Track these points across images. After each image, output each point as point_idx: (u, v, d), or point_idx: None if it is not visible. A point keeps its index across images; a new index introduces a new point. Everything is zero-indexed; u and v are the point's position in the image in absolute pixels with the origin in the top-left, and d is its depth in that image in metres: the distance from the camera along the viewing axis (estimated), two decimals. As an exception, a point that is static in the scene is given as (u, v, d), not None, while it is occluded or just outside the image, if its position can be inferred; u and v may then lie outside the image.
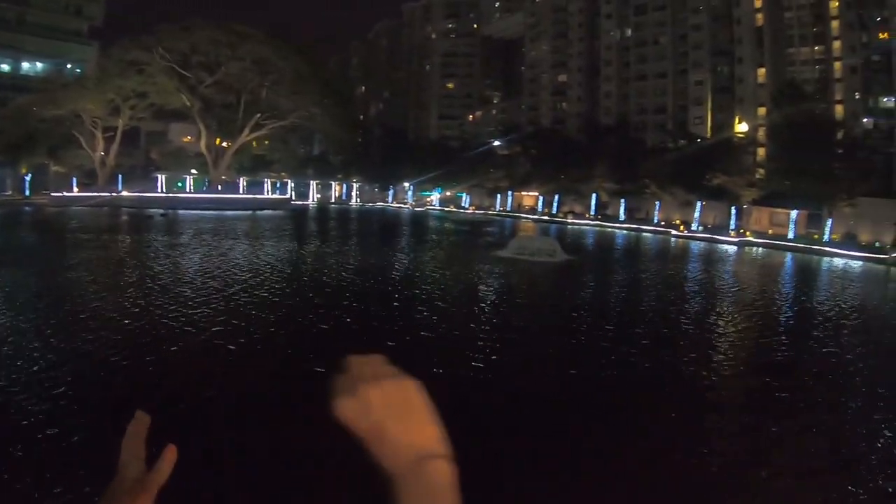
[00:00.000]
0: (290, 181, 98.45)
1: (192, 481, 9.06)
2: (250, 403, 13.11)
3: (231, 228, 52.79)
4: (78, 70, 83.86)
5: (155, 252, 36.31)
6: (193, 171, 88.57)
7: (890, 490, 11.01)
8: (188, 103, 79.65)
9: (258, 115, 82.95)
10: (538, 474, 10.66)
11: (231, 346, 17.32)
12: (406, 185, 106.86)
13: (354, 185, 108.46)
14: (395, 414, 0.86)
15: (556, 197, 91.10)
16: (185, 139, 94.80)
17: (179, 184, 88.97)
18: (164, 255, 34.86)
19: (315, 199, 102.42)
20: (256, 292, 24.84)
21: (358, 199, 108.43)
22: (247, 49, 78.53)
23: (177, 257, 34.35)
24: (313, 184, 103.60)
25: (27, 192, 73.29)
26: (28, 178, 74.96)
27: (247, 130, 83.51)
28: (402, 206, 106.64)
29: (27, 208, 65.81)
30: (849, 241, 60.06)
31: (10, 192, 73.42)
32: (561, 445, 12.13)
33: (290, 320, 21.15)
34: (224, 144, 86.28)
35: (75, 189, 75.28)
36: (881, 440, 13.44)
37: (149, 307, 21.36)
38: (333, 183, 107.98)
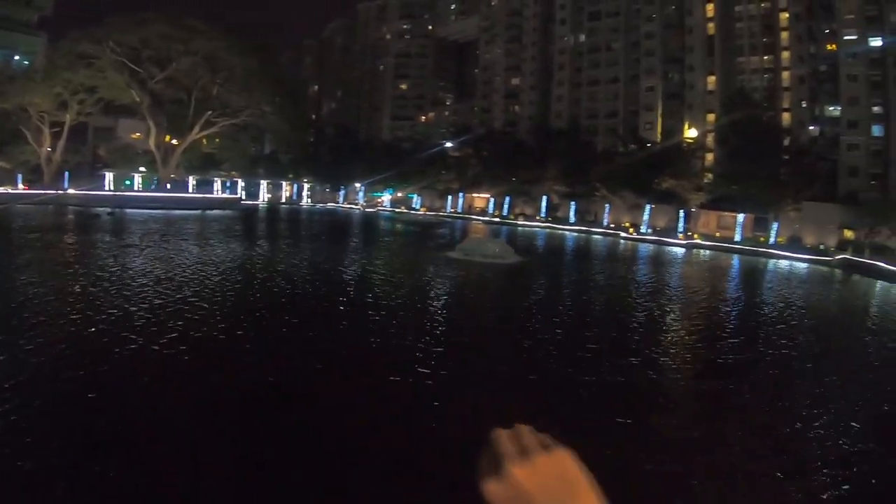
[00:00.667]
0: (239, 181, 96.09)
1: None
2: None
3: (178, 229, 50.62)
4: (26, 62, 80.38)
5: (98, 254, 34.19)
6: (142, 168, 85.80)
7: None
8: (138, 99, 77.15)
9: (209, 112, 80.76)
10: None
11: (158, 349, 16.01)
12: (357, 185, 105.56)
13: (305, 185, 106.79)
14: (550, 496, 0.75)
15: (507, 199, 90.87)
16: (134, 136, 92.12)
17: (127, 182, 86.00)
18: (107, 257, 32.79)
19: (265, 199, 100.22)
20: (197, 297, 23.09)
21: (308, 200, 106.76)
22: (199, 45, 76.34)
23: (120, 259, 32.22)
24: (263, 183, 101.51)
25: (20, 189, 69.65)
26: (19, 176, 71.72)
27: (197, 128, 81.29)
28: (352, 206, 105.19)
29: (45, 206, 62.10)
30: (794, 244, 61.08)
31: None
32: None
33: (227, 327, 19.39)
34: (174, 142, 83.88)
35: (20, 186, 72.18)
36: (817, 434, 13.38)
37: (85, 311, 19.64)
38: (284, 183, 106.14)
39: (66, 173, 77.72)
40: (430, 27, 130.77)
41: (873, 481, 11.20)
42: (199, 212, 69.00)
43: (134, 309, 20.21)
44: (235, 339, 18.02)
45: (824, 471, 11.43)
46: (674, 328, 24.92)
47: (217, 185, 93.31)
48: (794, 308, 31.45)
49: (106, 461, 9.84)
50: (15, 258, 30.64)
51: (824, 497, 10.46)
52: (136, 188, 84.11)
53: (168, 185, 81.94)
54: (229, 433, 11.29)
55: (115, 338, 16.66)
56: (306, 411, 12.69)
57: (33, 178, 75.17)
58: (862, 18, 70.20)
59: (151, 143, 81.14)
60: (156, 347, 16.05)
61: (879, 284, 44.22)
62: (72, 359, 14.73)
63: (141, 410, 11.87)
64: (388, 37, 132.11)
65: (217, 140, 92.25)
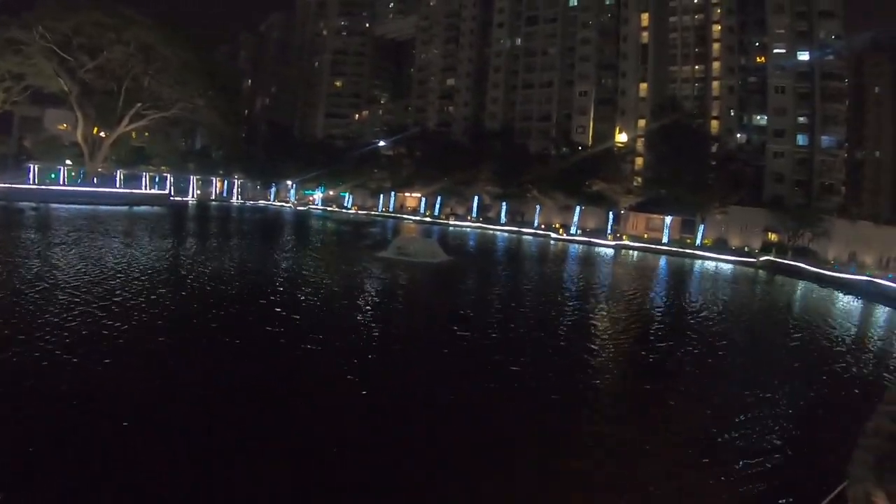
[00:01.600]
0: (169, 176, 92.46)
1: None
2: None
3: (104, 225, 47.79)
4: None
5: (19, 251, 31.56)
6: (68, 161, 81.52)
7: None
8: (66, 88, 73.47)
9: (139, 104, 77.72)
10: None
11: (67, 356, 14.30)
12: (289, 183, 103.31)
13: (236, 181, 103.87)
14: None
15: (439, 199, 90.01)
16: (61, 127, 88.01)
17: (53, 175, 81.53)
18: (29, 255, 30.27)
19: (195, 196, 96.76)
20: (116, 297, 20.99)
21: (239, 197, 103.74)
22: (132, 34, 73.32)
23: (41, 257, 29.78)
24: (193, 179, 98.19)
25: None
26: None
27: (126, 120, 78.06)
28: (284, 204, 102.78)
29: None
30: (720, 246, 61.82)
31: None
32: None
33: (146, 330, 17.62)
34: (102, 135, 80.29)
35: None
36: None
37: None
38: (215, 179, 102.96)
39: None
40: (367, 25, 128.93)
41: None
42: (126, 208, 65.83)
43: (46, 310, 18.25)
44: (155, 344, 16.30)
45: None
46: (594, 325, 24.55)
47: (145, 180, 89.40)
48: (717, 306, 31.82)
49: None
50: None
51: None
52: (61, 182, 79.74)
53: (95, 180, 78.08)
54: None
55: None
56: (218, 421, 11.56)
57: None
58: (792, 33, 72.32)
59: (79, 135, 77.64)
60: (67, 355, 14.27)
61: (801, 284, 45.04)
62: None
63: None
64: (326, 33, 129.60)
65: (147, 134, 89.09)
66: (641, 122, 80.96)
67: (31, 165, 78.09)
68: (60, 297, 20.07)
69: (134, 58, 75.31)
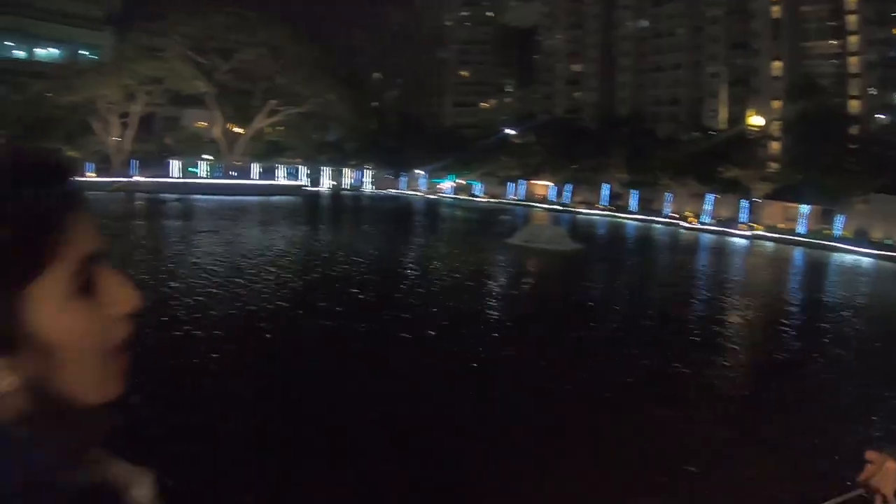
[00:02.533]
0: (302, 167, 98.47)
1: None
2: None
3: (244, 214, 52.95)
4: (94, 56, 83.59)
5: (171, 238, 36.31)
6: (208, 156, 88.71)
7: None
8: (204, 89, 79.85)
9: (273, 101, 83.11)
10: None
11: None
12: (419, 172, 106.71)
13: (367, 171, 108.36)
14: None
15: (569, 186, 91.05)
16: (200, 125, 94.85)
17: (193, 169, 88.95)
18: (179, 241, 34.91)
19: (328, 186, 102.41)
20: (265, 280, 24.74)
21: (371, 186, 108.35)
22: (262, 35, 78.57)
23: (192, 243, 34.35)
24: (327, 170, 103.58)
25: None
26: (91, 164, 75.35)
27: (261, 116, 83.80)
28: (414, 193, 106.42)
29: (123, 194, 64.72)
30: (860, 238, 59.61)
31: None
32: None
33: (291, 308, 20.90)
34: (239, 130, 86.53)
35: (91, 174, 75.53)
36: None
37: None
38: (346, 169, 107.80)
39: (134, 162, 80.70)
40: (490, 13, 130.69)
41: None
42: (263, 198, 71.29)
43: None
44: (302, 318, 19.51)
45: None
46: (727, 321, 24.97)
47: (281, 171, 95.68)
48: (854, 306, 31.04)
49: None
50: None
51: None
52: (202, 175, 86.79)
53: (232, 172, 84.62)
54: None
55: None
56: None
57: (103, 167, 78.09)
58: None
59: (217, 131, 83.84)
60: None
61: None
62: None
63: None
64: (449, 23, 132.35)
65: (282, 128, 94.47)
66: (776, 104, 78.47)
67: (172, 161, 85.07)
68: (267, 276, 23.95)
69: (265, 58, 79.92)
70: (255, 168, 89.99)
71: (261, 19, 78.66)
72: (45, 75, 73.62)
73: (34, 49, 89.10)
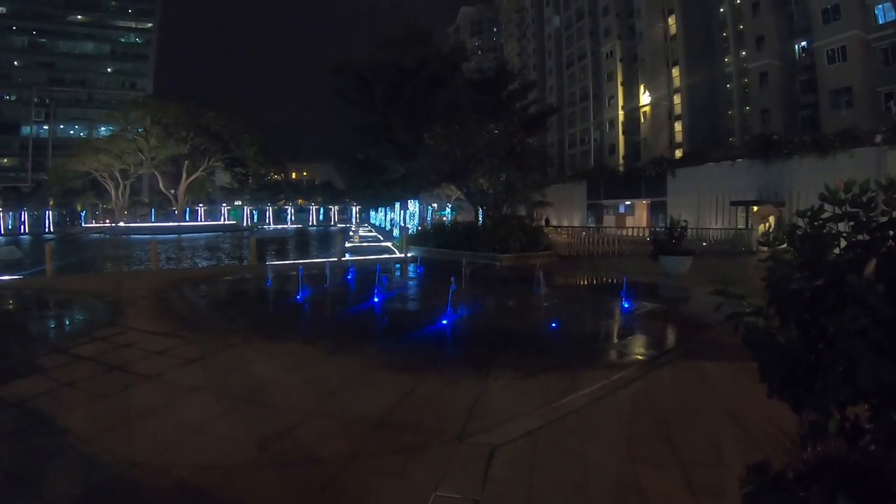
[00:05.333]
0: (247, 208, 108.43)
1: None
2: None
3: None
4: (140, 130, 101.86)
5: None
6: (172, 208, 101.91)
7: None
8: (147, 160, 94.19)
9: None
10: None
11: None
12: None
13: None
14: None
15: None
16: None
17: (234, 213, 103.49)
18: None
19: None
20: None
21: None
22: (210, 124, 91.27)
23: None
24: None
25: (83, 224, 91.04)
26: (83, 213, 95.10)
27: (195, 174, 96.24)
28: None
29: (94, 235, 76.92)
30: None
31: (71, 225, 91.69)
32: None
33: None
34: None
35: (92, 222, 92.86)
36: None
37: None
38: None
39: (188, 209, 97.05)
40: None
41: None
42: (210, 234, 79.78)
43: None
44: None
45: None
46: None
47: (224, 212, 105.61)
48: None
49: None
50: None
51: None
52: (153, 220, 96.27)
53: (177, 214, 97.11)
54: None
55: None
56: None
57: (167, 213, 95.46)
58: None
59: (161, 186, 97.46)
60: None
61: None
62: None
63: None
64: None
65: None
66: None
67: (151, 209, 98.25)
68: None
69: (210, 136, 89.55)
70: (201, 210, 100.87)
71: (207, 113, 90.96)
72: (98, 148, 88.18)
73: (91, 129, 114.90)
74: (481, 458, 5.39)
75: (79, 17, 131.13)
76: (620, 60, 76.91)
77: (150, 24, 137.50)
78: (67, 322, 14.17)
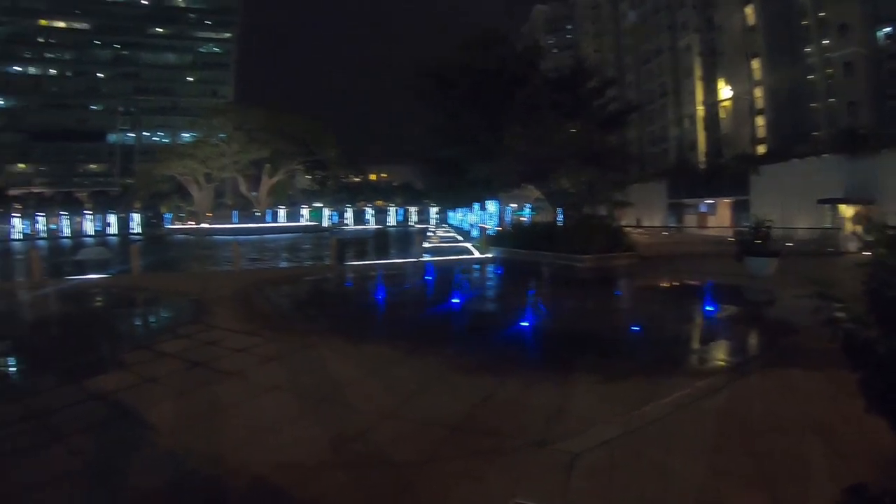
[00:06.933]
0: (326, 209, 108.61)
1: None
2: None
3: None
4: (222, 135, 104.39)
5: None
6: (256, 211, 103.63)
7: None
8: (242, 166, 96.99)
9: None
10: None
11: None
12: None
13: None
14: None
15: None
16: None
17: (315, 214, 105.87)
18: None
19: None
20: None
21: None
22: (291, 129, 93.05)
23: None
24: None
25: (168, 226, 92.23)
26: (168, 215, 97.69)
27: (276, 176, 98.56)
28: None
29: (179, 236, 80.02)
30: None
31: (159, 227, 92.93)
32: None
33: None
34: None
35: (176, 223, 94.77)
36: None
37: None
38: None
39: (269, 211, 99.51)
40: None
41: None
42: (291, 235, 79.25)
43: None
44: None
45: None
46: None
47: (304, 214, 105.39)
48: None
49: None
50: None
51: None
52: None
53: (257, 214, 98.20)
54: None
55: None
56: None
57: (249, 214, 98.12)
58: None
59: (262, 191, 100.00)
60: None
61: None
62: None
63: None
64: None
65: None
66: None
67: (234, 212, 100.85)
68: None
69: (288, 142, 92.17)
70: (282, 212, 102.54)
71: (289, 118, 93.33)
72: (180, 153, 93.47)
73: (176, 136, 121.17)
74: (561, 465, 5.38)
75: (160, 29, 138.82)
76: (699, 54, 74.99)
77: (228, 35, 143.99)
78: (152, 319, 14.98)
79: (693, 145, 75.76)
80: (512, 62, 38.82)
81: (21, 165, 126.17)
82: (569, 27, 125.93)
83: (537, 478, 5.22)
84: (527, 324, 11.60)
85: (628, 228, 35.38)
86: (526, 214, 52.03)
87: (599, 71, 53.76)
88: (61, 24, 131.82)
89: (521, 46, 45.81)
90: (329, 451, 5.89)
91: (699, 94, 75.44)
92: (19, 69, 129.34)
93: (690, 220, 60.91)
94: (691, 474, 5.22)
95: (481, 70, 37.49)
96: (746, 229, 21.74)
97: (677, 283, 20.27)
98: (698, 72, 75.45)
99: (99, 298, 18.17)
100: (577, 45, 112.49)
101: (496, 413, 6.81)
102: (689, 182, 62.02)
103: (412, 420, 6.66)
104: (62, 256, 38.33)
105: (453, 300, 14.98)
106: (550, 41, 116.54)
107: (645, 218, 64.23)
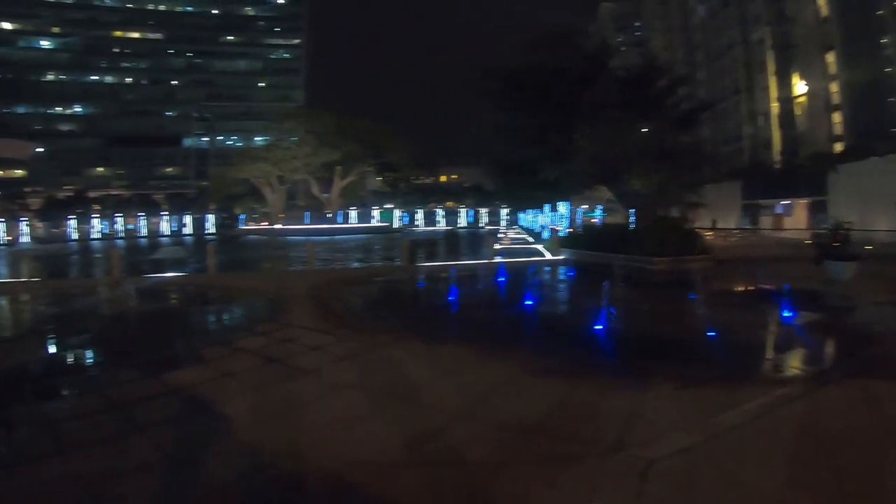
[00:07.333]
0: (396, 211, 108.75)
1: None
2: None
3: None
4: (294, 139, 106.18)
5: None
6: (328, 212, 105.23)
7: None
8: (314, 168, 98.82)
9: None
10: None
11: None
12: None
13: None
14: None
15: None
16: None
17: (385, 215, 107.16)
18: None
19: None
20: None
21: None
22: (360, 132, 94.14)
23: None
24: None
25: (242, 226, 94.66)
26: (242, 216, 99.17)
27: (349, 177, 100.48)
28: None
29: (252, 237, 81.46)
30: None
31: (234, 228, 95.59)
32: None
33: None
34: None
35: (250, 223, 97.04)
36: None
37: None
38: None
39: (341, 212, 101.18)
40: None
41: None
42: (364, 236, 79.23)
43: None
44: None
45: None
46: None
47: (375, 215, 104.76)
48: None
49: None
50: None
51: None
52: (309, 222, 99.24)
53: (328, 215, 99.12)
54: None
55: None
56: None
57: (321, 215, 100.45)
58: None
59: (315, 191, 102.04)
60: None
61: None
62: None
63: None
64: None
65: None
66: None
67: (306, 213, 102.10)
68: None
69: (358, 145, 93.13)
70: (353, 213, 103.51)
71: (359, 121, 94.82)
72: (255, 157, 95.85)
73: (250, 140, 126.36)
74: (636, 472, 5.27)
75: (231, 37, 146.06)
76: (771, 48, 73.14)
77: (297, 41, 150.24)
78: (229, 317, 15.52)
79: (768, 144, 74.06)
80: (581, 62, 38.79)
81: (100, 169, 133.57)
82: (636, 24, 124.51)
83: (612, 484, 5.17)
84: (600, 327, 11.52)
85: (702, 230, 35.06)
86: (597, 216, 51.97)
87: (670, 68, 53.17)
88: (135, 35, 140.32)
89: (589, 45, 45.73)
90: (402, 450, 5.96)
91: (773, 90, 73.69)
92: (97, 78, 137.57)
93: (765, 221, 59.72)
94: (769, 486, 5.09)
95: (550, 70, 37.57)
96: (824, 231, 21.39)
97: (753, 288, 19.91)
98: (771, 67, 73.71)
99: (177, 296, 19.04)
100: (645, 42, 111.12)
101: (570, 417, 6.81)
102: (763, 182, 60.80)
103: (485, 421, 6.67)
104: (140, 255, 39.39)
105: (526, 302, 15.01)
106: (619, 39, 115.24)
107: (720, 220, 63.21)
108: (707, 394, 7.47)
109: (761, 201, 62.57)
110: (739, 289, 19.99)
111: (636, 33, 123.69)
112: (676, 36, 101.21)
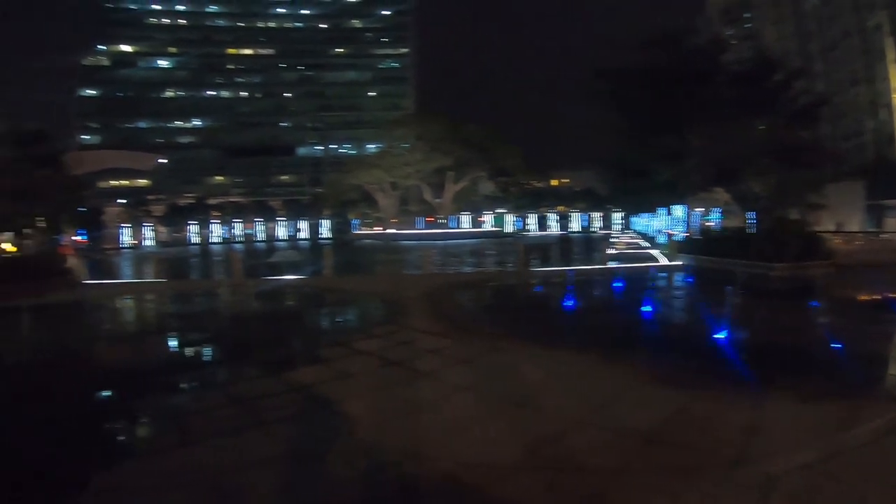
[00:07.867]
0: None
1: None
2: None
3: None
4: (405, 145, 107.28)
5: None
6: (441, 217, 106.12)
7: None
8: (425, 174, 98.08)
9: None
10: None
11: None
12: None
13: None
14: None
15: None
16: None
17: (498, 220, 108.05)
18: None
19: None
20: None
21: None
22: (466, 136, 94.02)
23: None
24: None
25: (355, 231, 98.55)
26: (355, 222, 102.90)
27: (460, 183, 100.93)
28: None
29: (366, 241, 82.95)
30: None
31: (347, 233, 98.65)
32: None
33: None
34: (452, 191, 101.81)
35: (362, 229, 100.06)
36: None
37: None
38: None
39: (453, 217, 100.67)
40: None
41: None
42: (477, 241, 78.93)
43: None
44: None
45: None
46: None
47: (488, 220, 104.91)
48: None
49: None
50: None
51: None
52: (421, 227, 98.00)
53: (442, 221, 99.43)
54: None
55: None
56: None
57: (433, 221, 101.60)
58: None
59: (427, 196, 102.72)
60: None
61: None
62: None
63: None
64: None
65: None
66: None
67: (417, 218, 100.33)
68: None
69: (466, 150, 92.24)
70: (466, 219, 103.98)
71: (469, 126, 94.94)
72: (367, 163, 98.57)
73: (362, 147, 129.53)
74: (755, 486, 5.19)
75: (340, 49, 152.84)
76: (889, 34, 69.64)
77: (405, 50, 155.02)
78: (346, 318, 15.96)
79: (891, 138, 70.31)
80: (693, 58, 38.17)
81: (218, 178, 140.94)
82: (746, 15, 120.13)
83: (732, 498, 5.09)
84: (718, 336, 11.23)
85: (824, 233, 33.76)
86: (714, 219, 50.92)
87: (784, 61, 51.23)
88: (248, 52, 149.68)
89: (699, 41, 44.78)
90: (520, 454, 5.93)
91: (893, 80, 70.02)
92: (213, 93, 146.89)
93: (892, 223, 56.71)
94: (894, 507, 4.90)
95: (662, 68, 37.17)
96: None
97: (879, 297, 18.38)
98: (891, 54, 69.98)
99: (295, 297, 19.84)
100: (756, 35, 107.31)
101: (689, 427, 6.68)
102: (890, 180, 57.67)
103: (604, 428, 6.62)
104: (258, 259, 40.36)
105: (642, 308, 14.84)
106: (729, 32, 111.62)
107: (843, 222, 60.27)
108: (830, 408, 7.21)
109: (887, 202, 59.31)
110: (864, 298, 18.82)
111: (745, 25, 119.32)
112: (788, 26, 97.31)
